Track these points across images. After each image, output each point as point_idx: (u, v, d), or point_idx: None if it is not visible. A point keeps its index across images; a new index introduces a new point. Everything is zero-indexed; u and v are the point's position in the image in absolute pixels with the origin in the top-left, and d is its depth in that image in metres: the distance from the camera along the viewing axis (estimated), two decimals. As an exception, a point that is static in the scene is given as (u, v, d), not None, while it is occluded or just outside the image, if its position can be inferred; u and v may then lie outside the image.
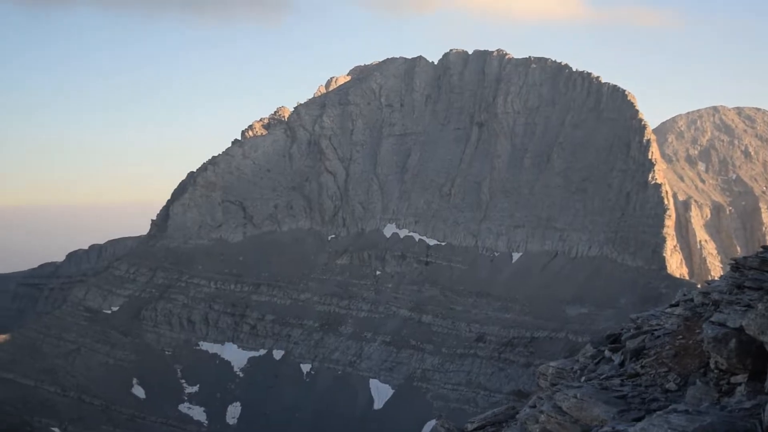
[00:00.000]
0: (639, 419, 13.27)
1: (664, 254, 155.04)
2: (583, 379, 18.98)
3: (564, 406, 15.68)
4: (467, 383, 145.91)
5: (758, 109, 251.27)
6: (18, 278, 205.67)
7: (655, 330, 19.76)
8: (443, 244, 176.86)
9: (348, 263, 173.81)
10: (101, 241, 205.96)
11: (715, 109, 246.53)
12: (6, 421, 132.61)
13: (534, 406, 17.69)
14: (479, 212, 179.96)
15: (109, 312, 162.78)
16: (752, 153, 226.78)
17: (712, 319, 15.33)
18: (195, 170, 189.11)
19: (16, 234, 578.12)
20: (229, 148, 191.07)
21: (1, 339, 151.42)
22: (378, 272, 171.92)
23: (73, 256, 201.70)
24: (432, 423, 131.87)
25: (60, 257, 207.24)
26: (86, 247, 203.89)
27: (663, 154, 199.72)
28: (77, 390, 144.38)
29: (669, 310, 20.89)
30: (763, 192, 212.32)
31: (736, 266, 16.80)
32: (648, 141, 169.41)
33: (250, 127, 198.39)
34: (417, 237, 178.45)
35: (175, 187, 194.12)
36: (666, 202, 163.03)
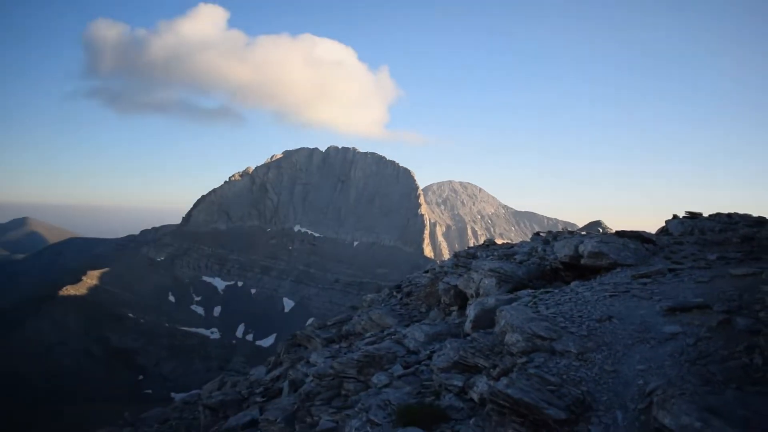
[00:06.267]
0: (408, 326, 18.93)
1: (423, 246, 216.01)
2: (383, 305, 25.28)
3: (373, 317, 22.18)
4: (329, 302, 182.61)
5: (468, 183, 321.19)
6: (112, 243, 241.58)
7: (417, 284, 26.61)
8: (319, 236, 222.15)
9: (276, 242, 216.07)
10: (152, 226, 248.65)
11: (449, 181, 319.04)
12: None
13: (359, 316, 24.47)
14: (338, 222, 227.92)
15: (160, 259, 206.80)
16: (467, 202, 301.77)
17: (444, 279, 21.01)
18: (205, 194, 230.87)
19: (109, 218, 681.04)
20: (221, 185, 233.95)
21: (104, 270, 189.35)
22: (290, 247, 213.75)
23: (142, 234, 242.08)
24: (311, 320, 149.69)
25: (135, 232, 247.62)
26: (149, 228, 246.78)
27: (426, 200, 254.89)
28: (140, 296, 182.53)
29: (424, 273, 28.15)
30: (470, 221, 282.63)
31: (455, 255, 24.70)
32: (419, 194, 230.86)
33: (233, 175, 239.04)
34: (307, 231, 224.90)
35: (195, 200, 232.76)
36: (427, 225, 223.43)
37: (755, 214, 20.00)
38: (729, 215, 20.31)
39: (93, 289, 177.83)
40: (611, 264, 15.54)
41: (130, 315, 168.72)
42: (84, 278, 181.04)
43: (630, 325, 10.62)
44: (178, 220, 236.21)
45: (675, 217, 21.02)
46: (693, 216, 20.61)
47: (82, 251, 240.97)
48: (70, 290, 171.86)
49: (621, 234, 17.65)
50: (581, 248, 16.48)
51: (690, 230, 18.93)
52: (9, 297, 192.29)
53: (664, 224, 20.80)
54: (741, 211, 20.58)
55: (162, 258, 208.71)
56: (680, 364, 8.61)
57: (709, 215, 20.64)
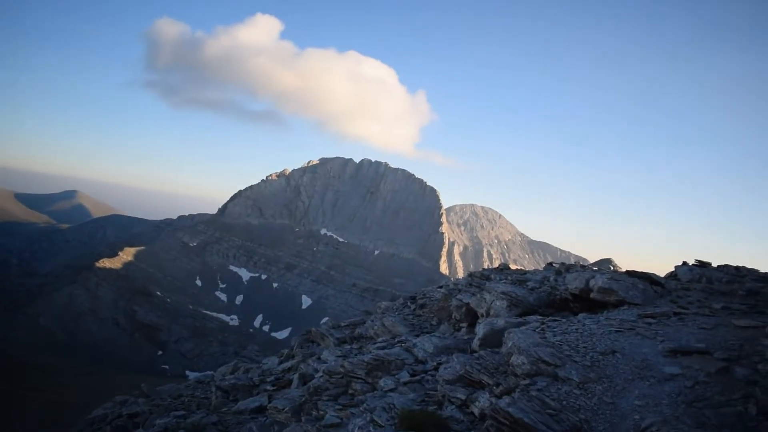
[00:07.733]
0: (418, 336, 19.08)
1: (440, 262, 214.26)
2: (396, 313, 25.04)
3: (386, 324, 22.42)
4: (345, 304, 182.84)
5: (489, 208, 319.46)
6: (150, 224, 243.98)
7: (431, 297, 26.03)
8: (343, 241, 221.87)
9: (303, 241, 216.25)
10: (189, 213, 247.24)
11: (471, 204, 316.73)
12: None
13: (373, 320, 24.83)
14: (363, 230, 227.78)
15: (192, 245, 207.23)
16: (486, 226, 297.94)
17: (457, 296, 20.94)
18: (242, 189, 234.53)
19: (150, 200, 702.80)
20: (258, 183, 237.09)
21: (140, 248, 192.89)
22: (315, 248, 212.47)
23: (179, 218, 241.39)
24: (325, 319, 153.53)
25: (173, 216, 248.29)
26: (186, 214, 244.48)
27: (448, 219, 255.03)
28: (170, 276, 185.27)
29: (438, 288, 26.85)
30: (487, 244, 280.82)
31: (470, 275, 24.82)
32: (441, 213, 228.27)
33: (270, 174, 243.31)
34: (333, 235, 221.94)
35: (233, 193, 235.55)
36: (446, 242, 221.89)
37: (763, 270, 19.63)
38: (737, 268, 20.00)
39: (127, 265, 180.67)
40: (619, 301, 15.42)
41: (158, 293, 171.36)
42: (120, 253, 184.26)
43: (632, 361, 10.50)
44: (214, 210, 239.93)
45: (684, 263, 20.86)
46: (702, 264, 20.38)
47: (122, 228, 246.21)
48: (106, 263, 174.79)
49: (631, 274, 17.53)
50: (592, 283, 16.37)
51: (698, 278, 18.70)
52: (50, 262, 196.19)
53: (673, 269, 20.61)
54: (749, 266, 20.27)
55: (194, 243, 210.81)
56: (677, 404, 8.48)
57: (718, 266, 20.39)
